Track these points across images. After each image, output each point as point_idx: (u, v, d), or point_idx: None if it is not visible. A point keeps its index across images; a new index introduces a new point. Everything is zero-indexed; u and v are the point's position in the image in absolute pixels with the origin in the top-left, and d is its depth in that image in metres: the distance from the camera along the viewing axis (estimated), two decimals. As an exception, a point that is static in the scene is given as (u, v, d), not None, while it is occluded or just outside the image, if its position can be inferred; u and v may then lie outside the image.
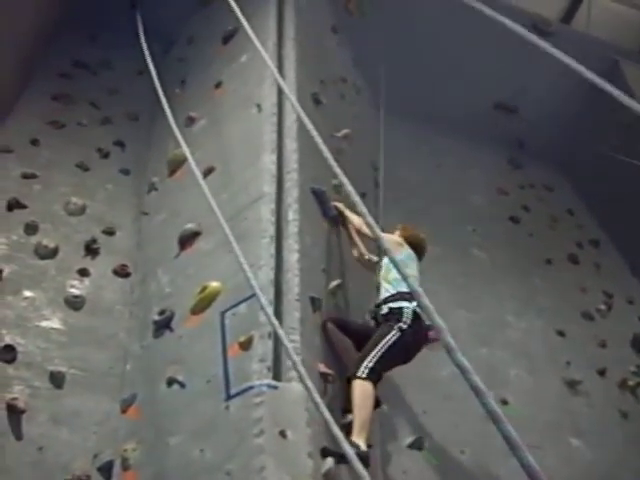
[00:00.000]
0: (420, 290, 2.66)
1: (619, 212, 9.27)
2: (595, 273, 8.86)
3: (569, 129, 10.05)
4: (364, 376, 4.37)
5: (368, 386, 4.34)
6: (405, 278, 2.95)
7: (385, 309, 4.82)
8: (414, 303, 4.64)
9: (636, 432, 6.79)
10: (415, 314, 4.70)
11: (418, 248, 5.36)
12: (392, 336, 4.59)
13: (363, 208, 2.98)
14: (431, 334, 4.68)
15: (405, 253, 5.14)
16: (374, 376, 4.40)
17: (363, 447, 4.07)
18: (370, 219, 3.10)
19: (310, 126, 3.75)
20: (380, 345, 4.53)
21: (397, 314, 4.71)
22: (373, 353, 4.49)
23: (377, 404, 4.54)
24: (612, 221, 9.49)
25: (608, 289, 8.53)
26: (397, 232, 5.49)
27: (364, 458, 3.86)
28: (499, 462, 5.54)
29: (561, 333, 7.53)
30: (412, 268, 5.08)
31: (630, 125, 9.60)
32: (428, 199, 8.28)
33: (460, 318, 6.88)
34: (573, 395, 6.91)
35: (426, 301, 2.52)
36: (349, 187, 3.10)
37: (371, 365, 4.41)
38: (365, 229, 5.17)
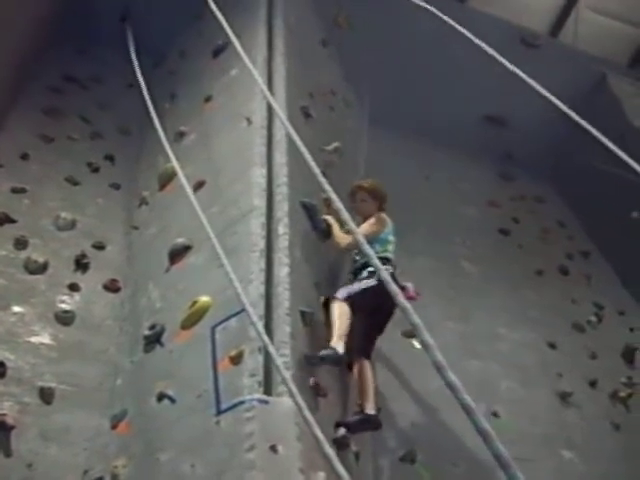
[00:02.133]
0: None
1: (609, 223, 9.30)
2: (586, 284, 8.89)
3: (559, 141, 10.09)
4: (341, 298, 4.96)
5: (345, 307, 4.90)
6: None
7: (365, 273, 5.22)
8: (389, 267, 5.20)
9: (628, 443, 6.79)
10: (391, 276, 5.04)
11: (384, 197, 5.79)
12: (370, 281, 5.08)
13: (352, 225, 3.00)
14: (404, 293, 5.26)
15: (388, 228, 5.55)
16: (349, 300, 4.94)
17: (340, 350, 4.58)
18: (352, 225, 3.38)
19: (299, 142, 3.76)
20: (360, 284, 5.11)
21: (375, 274, 5.06)
22: (354, 286, 5.10)
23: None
24: (602, 232, 9.53)
25: (599, 300, 8.55)
26: (362, 192, 5.74)
27: (338, 360, 4.58)
28: (492, 475, 5.53)
29: (552, 345, 7.54)
30: (392, 235, 5.57)
31: (620, 137, 9.67)
32: (418, 212, 8.31)
33: (450, 330, 6.89)
34: (565, 407, 6.91)
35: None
36: (338, 203, 3.11)
37: (350, 294, 4.99)
38: (346, 240, 5.41)
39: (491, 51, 6.71)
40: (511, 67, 6.53)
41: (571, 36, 10.44)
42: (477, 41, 6.99)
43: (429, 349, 2.30)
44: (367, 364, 5.02)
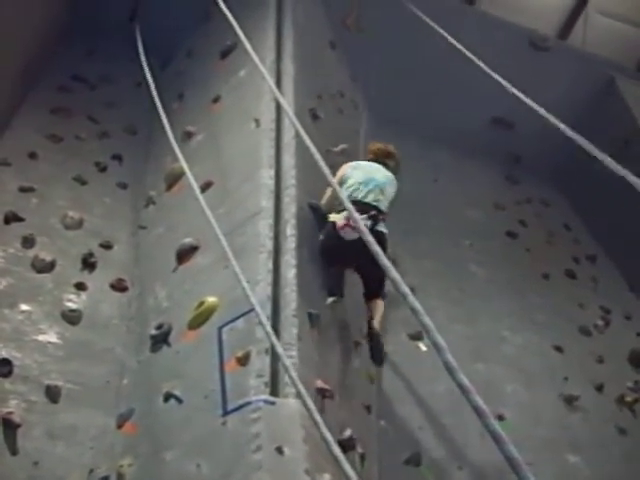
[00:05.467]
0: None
1: (616, 227, 9.27)
2: (592, 288, 8.86)
3: (566, 144, 10.06)
4: None
5: None
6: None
7: None
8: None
9: (634, 448, 6.76)
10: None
11: (387, 159, 5.92)
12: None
13: (361, 224, 2.99)
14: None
15: (353, 171, 5.62)
16: None
17: None
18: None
19: (309, 143, 3.76)
20: None
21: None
22: None
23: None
24: (609, 236, 9.50)
25: (605, 304, 8.52)
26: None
27: None
28: (497, 478, 5.52)
29: (558, 348, 7.52)
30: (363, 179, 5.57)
31: (627, 140, 9.66)
32: (425, 214, 8.30)
33: (457, 333, 6.86)
34: (570, 411, 6.89)
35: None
36: (347, 203, 3.11)
37: None
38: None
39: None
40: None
41: (580, 39, 10.42)
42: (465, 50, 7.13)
43: (440, 351, 2.29)
44: (374, 302, 5.44)
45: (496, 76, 6.28)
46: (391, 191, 5.64)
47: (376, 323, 5.35)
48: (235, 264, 4.08)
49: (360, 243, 5.09)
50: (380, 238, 5.08)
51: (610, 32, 10.53)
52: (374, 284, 5.43)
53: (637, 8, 10.53)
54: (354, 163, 5.79)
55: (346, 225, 5.15)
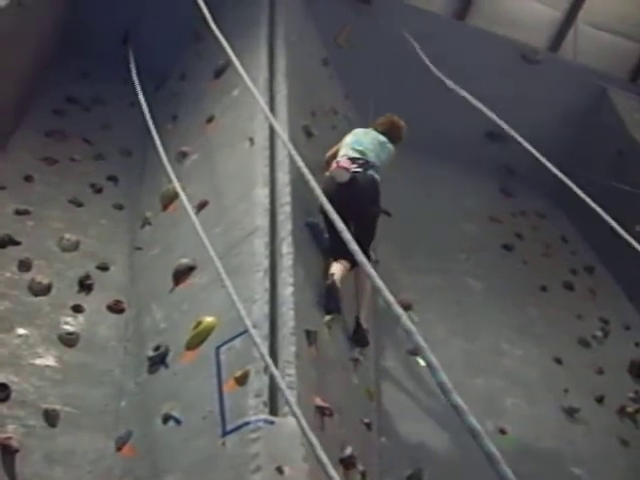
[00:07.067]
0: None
1: (612, 238, 9.27)
2: (590, 299, 8.86)
3: (560, 156, 10.10)
4: None
5: None
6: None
7: None
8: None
9: (637, 459, 6.73)
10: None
11: (389, 132, 6.39)
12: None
13: (354, 245, 2.98)
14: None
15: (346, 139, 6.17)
16: None
17: None
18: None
19: (300, 162, 3.76)
20: None
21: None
22: None
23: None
24: (606, 247, 9.49)
25: (604, 315, 8.52)
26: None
27: None
28: (499, 493, 5.48)
29: (558, 360, 7.51)
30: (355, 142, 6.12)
31: (620, 151, 9.69)
32: (420, 229, 8.31)
33: (455, 348, 6.86)
34: (572, 423, 6.86)
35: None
36: (339, 223, 3.11)
37: None
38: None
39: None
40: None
41: (571, 52, 10.48)
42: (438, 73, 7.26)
43: (434, 370, 2.28)
44: (359, 277, 5.66)
45: (468, 96, 6.46)
46: (380, 152, 6.09)
47: (363, 320, 5.68)
48: (229, 285, 4.07)
49: (351, 190, 5.56)
50: (372, 183, 5.81)
51: (601, 44, 10.60)
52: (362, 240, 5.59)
53: (626, 20, 10.60)
54: (354, 130, 6.36)
55: (338, 166, 5.73)
